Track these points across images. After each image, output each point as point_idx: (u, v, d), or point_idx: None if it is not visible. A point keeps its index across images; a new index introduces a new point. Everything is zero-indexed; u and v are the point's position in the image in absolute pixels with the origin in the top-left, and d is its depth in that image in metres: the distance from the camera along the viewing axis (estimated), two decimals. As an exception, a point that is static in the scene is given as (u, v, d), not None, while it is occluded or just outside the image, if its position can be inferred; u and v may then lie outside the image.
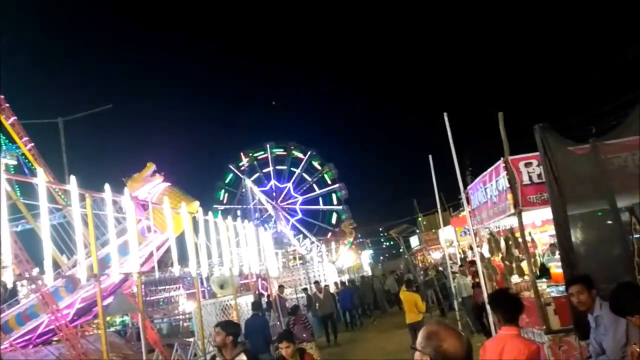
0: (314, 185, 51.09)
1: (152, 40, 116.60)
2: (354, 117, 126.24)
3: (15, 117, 18.91)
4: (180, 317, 22.82)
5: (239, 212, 47.88)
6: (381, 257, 60.62)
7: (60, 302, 12.45)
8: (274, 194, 50.12)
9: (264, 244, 17.60)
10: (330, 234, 48.44)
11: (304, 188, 51.12)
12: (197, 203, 12.43)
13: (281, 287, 20.09)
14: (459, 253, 19.67)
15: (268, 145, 51.14)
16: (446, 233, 22.01)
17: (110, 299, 11.50)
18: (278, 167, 51.36)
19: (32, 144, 18.96)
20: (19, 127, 18.97)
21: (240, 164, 51.17)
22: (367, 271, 41.52)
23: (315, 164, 50.91)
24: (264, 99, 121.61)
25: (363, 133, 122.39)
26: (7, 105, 18.71)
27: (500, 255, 9.20)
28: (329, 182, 50.61)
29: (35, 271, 14.58)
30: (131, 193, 9.96)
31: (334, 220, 49.91)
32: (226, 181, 51.29)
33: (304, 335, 12.13)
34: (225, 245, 13.08)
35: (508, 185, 7.16)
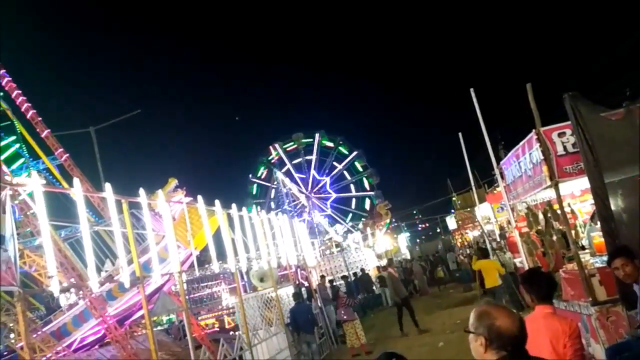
0: (335, 163, 51.06)
1: (177, 44, 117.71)
2: (382, 100, 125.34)
3: (49, 130, 19.42)
4: (224, 311, 23.23)
5: (272, 205, 48.41)
6: (417, 240, 60.29)
7: (113, 301, 12.75)
8: (302, 187, 50.18)
9: (299, 234, 17.70)
10: (368, 201, 48.55)
11: (327, 169, 51.11)
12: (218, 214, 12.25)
13: (323, 277, 20.31)
14: (497, 229, 19.37)
15: (277, 145, 51.09)
16: (482, 210, 21.73)
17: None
18: (295, 162, 51.28)
19: (67, 155, 19.44)
20: (53, 139, 19.45)
21: (259, 174, 51.41)
22: (406, 254, 41.36)
23: (327, 142, 50.76)
24: (292, 92, 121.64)
25: (391, 115, 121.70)
26: (40, 119, 19.23)
27: (539, 228, 9.03)
28: (347, 153, 50.48)
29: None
30: (155, 209, 10.10)
31: (367, 206, 49.73)
32: (253, 194, 51.66)
33: (345, 316, 13.45)
34: (262, 239, 13.22)
35: (542, 157, 7.01)
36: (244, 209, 13.15)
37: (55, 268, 6.57)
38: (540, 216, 8.94)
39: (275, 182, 46.38)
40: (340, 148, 50.60)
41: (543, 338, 3.46)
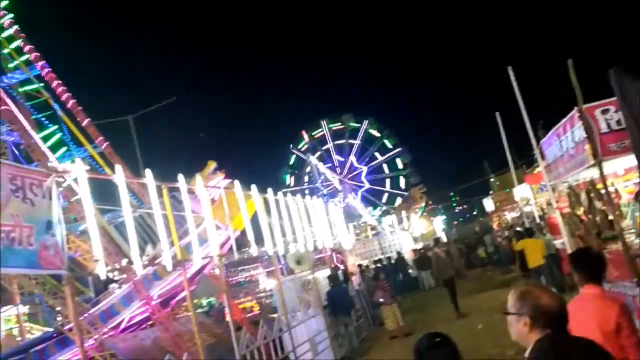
0: (376, 154, 50.34)
1: (206, 32, 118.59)
2: (418, 80, 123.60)
3: (89, 119, 19.87)
4: (262, 294, 23.59)
5: (307, 192, 48.45)
6: (455, 222, 59.65)
7: (159, 281, 13.09)
8: (338, 169, 49.97)
9: (334, 218, 17.75)
10: (400, 200, 47.94)
11: (367, 159, 50.59)
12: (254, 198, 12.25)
13: (367, 267, 20.34)
14: (537, 211, 19.00)
15: (324, 122, 50.57)
16: (521, 191, 21.33)
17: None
18: (337, 142, 50.72)
19: (107, 143, 19.88)
20: (93, 128, 19.90)
21: (300, 146, 51.10)
22: (442, 237, 41.05)
23: (374, 132, 50.01)
24: (320, 77, 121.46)
25: (426, 95, 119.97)
26: (80, 108, 19.69)
27: (582, 209, 8.82)
28: (391, 147, 49.66)
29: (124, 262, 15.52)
30: (194, 192, 10.25)
31: (402, 185, 49.09)
32: (290, 164, 51.41)
33: (382, 299, 13.62)
34: (297, 223, 13.32)
35: (585, 135, 6.82)
36: (279, 193, 13.25)
37: (101, 252, 6.80)
38: (583, 196, 8.72)
39: (309, 167, 46.47)
40: (385, 141, 49.73)
41: (590, 319, 3.40)
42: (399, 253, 26.66)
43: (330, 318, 13.06)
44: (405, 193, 48.00)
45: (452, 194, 56.15)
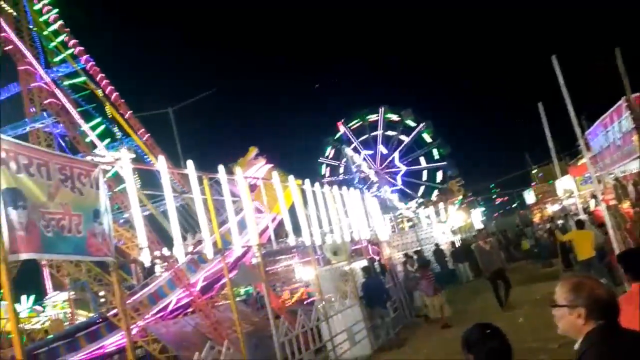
0: (421, 159, 49.37)
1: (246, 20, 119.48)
2: (457, 70, 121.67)
3: (131, 111, 20.41)
4: (298, 284, 23.75)
5: (341, 171, 48.10)
6: (495, 214, 58.57)
7: (193, 275, 13.45)
8: (378, 158, 49.42)
9: (370, 209, 17.70)
10: (436, 192, 47.09)
11: (410, 159, 49.57)
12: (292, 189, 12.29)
13: (411, 258, 20.15)
14: (589, 202, 18.47)
15: (382, 109, 49.64)
16: (564, 183, 20.80)
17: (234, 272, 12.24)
18: (387, 133, 49.93)
19: (148, 135, 20.39)
20: (135, 120, 20.45)
21: (350, 124, 50.30)
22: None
23: (426, 136, 48.58)
24: (365, 65, 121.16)
25: (468, 85, 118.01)
26: (123, 100, 20.23)
27: (629, 201, 8.56)
28: (437, 158, 48.47)
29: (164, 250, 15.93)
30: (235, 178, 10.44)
31: (434, 197, 47.38)
32: (335, 137, 50.76)
33: (425, 290, 13.63)
34: (334, 213, 13.37)
35: (633, 125, 6.62)
36: (316, 184, 13.32)
37: (146, 240, 7.00)
38: (630, 188, 8.46)
39: (345, 159, 46.23)
40: (434, 150, 48.43)
41: (638, 311, 3.35)
42: (437, 245, 26.42)
43: (367, 309, 13.08)
44: (443, 187, 47.11)
45: (492, 185, 55.09)
